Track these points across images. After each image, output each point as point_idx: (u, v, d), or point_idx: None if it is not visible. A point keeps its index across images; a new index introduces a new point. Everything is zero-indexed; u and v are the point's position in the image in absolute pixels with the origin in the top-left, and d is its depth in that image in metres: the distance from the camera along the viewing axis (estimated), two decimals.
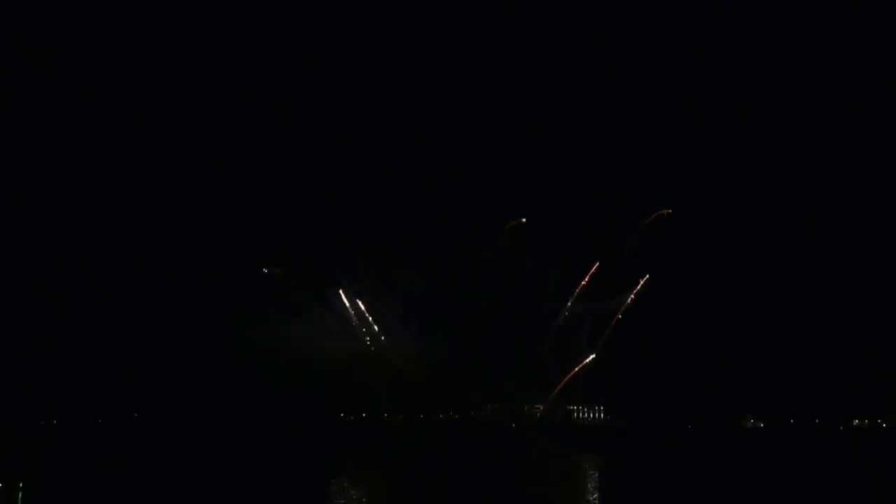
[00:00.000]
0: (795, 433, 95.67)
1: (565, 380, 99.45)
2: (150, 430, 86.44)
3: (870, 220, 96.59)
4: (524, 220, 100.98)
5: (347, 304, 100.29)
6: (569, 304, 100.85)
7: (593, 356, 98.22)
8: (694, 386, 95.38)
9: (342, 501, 30.68)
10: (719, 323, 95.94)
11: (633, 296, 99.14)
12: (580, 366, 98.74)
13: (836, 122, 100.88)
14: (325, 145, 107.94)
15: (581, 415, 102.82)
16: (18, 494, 36.23)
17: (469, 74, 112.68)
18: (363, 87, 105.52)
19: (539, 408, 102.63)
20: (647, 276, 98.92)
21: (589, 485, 44.92)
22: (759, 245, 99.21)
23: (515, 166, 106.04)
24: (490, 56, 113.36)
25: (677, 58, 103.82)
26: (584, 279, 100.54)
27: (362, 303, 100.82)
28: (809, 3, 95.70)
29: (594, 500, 36.50)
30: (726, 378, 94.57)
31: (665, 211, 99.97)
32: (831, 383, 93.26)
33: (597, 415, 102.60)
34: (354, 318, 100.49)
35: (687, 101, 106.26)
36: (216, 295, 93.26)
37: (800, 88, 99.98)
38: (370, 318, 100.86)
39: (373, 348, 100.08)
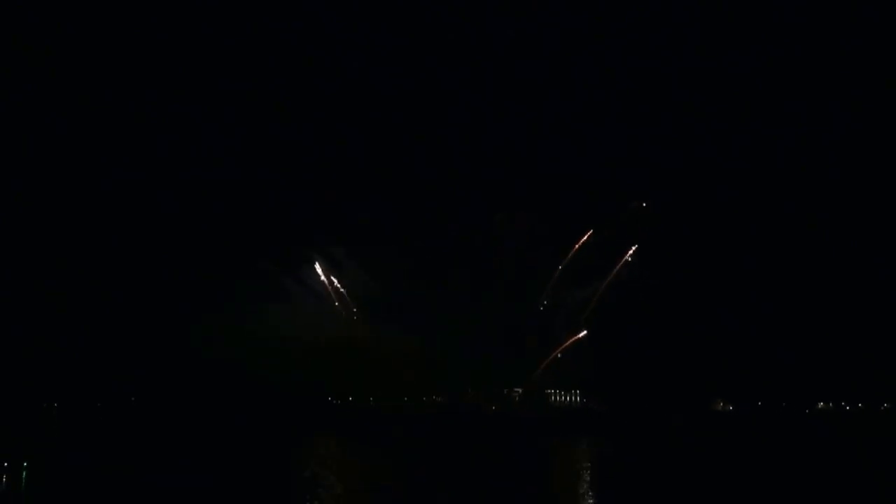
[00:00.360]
0: (764, 416, 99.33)
1: (552, 355, 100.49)
2: (145, 415, 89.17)
3: (869, 220, 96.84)
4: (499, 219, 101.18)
5: (324, 280, 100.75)
6: (551, 287, 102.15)
7: (584, 332, 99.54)
8: (667, 372, 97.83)
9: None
10: (693, 314, 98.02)
11: (617, 269, 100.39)
12: (570, 341, 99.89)
13: (836, 122, 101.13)
14: (325, 145, 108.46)
15: (558, 398, 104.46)
16: (23, 473, 37.40)
17: (469, 74, 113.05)
18: (363, 87, 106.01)
19: (518, 391, 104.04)
20: (636, 247, 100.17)
21: (587, 470, 45.31)
22: (749, 242, 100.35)
23: (515, 166, 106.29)
24: (490, 56, 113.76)
25: (677, 58, 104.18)
26: (570, 254, 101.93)
27: (340, 284, 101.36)
28: (809, 3, 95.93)
29: (592, 485, 36.61)
30: (698, 365, 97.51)
31: (639, 203, 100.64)
32: (798, 370, 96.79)
33: (573, 398, 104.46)
34: (332, 294, 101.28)
35: (687, 101, 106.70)
36: (211, 290, 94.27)
37: (800, 88, 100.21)
38: (347, 298, 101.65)
39: (357, 334, 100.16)
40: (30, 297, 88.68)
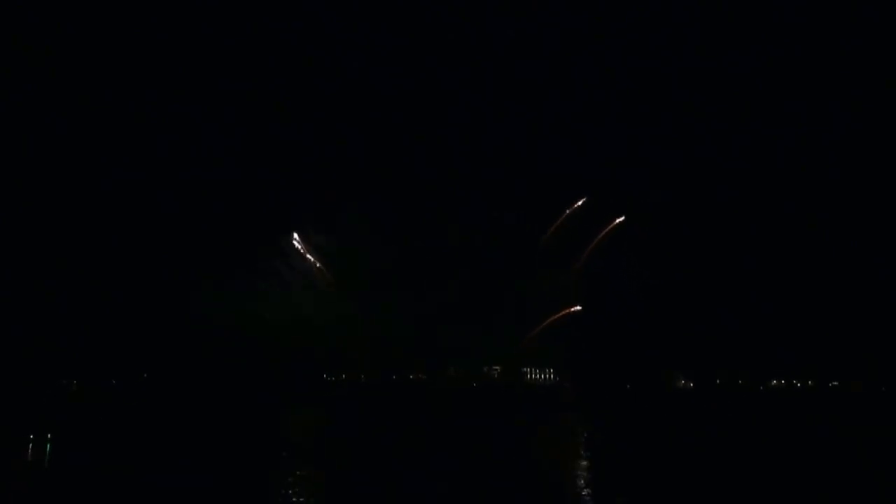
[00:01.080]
0: (721, 392, 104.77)
1: (537, 329, 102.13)
2: (155, 390, 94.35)
3: (869, 220, 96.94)
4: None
5: (304, 254, 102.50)
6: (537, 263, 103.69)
7: (579, 308, 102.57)
8: (632, 352, 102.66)
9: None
10: (657, 297, 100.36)
11: (598, 240, 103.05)
12: (562, 314, 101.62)
13: (836, 122, 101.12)
14: (325, 145, 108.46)
15: (532, 376, 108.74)
16: (47, 446, 38.90)
17: (469, 74, 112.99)
18: (363, 87, 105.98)
19: (497, 369, 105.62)
20: (623, 217, 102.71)
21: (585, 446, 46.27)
22: (749, 242, 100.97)
23: (515, 166, 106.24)
24: (490, 56, 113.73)
25: (677, 58, 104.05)
26: (557, 224, 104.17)
27: (319, 260, 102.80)
28: (809, 3, 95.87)
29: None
30: (659, 344, 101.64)
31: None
32: (752, 349, 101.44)
33: (547, 377, 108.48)
34: (314, 266, 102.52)
35: (687, 101, 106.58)
36: (212, 279, 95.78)
37: (800, 88, 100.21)
38: (328, 275, 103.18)
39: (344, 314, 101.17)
40: (46, 284, 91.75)
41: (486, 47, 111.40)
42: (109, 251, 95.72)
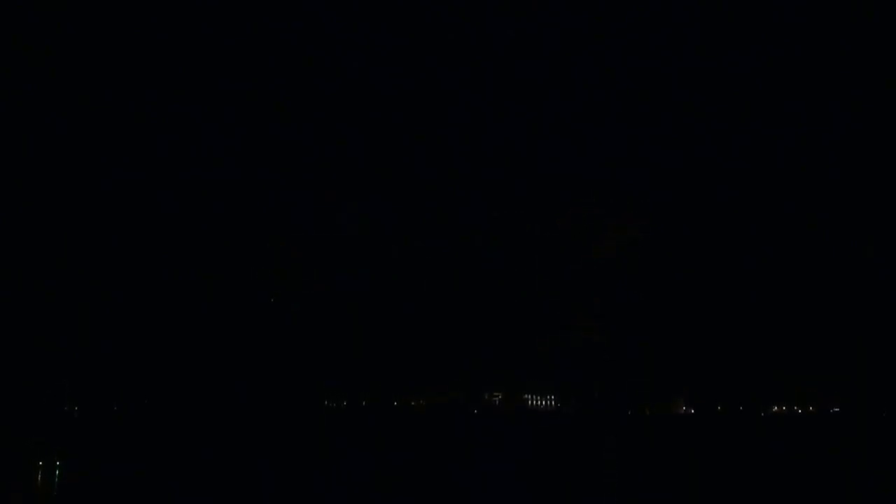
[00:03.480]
0: (722, 418, 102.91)
1: (552, 345, 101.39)
2: (157, 416, 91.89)
3: (869, 220, 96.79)
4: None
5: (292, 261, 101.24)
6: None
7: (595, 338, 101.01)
8: (632, 376, 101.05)
9: None
10: (688, 315, 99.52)
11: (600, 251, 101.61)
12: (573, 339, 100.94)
13: (836, 122, 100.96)
14: (325, 145, 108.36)
15: (534, 402, 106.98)
16: (55, 473, 39.60)
17: (469, 74, 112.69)
18: (363, 87, 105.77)
19: (498, 395, 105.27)
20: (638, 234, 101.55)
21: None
22: (749, 242, 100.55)
23: (515, 166, 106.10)
24: (490, 56, 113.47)
25: (677, 58, 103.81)
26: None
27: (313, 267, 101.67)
28: (809, 3, 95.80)
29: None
30: (661, 369, 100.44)
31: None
32: (753, 375, 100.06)
33: (548, 402, 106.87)
34: (307, 276, 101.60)
35: (687, 101, 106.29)
36: (212, 291, 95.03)
37: (800, 88, 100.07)
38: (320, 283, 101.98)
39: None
40: (46, 302, 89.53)
41: (486, 47, 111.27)
42: (109, 253, 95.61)
